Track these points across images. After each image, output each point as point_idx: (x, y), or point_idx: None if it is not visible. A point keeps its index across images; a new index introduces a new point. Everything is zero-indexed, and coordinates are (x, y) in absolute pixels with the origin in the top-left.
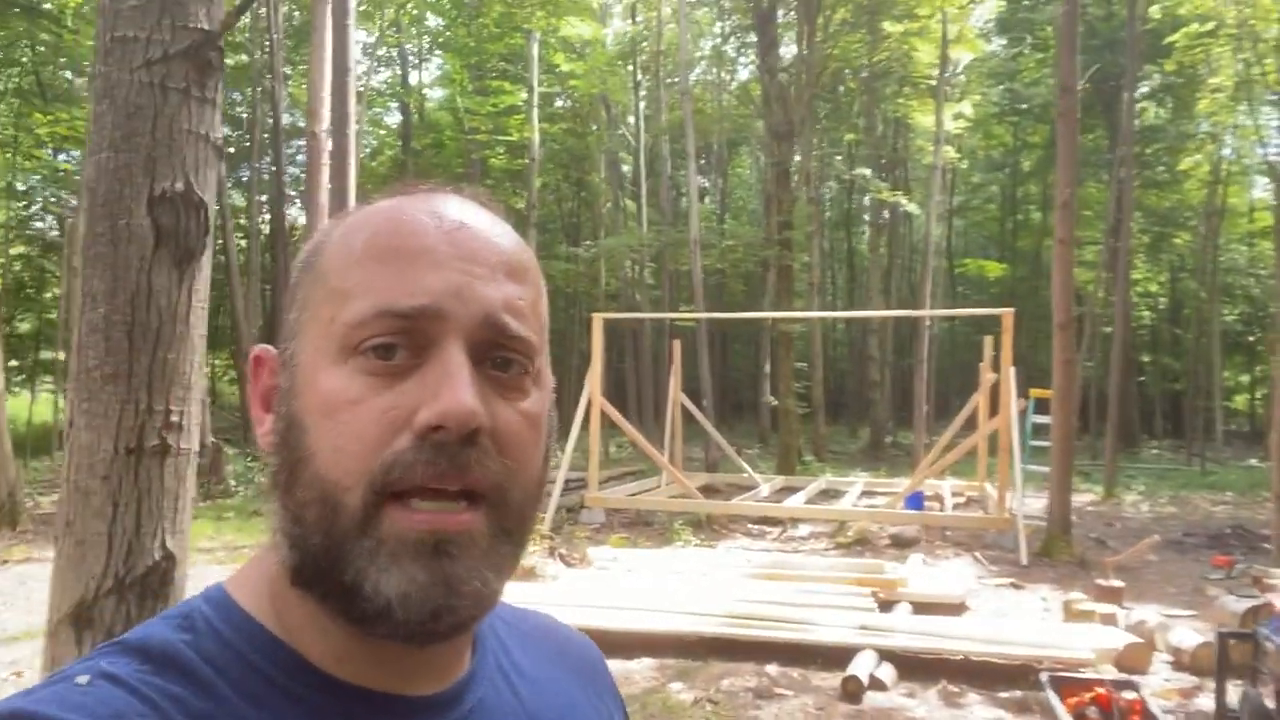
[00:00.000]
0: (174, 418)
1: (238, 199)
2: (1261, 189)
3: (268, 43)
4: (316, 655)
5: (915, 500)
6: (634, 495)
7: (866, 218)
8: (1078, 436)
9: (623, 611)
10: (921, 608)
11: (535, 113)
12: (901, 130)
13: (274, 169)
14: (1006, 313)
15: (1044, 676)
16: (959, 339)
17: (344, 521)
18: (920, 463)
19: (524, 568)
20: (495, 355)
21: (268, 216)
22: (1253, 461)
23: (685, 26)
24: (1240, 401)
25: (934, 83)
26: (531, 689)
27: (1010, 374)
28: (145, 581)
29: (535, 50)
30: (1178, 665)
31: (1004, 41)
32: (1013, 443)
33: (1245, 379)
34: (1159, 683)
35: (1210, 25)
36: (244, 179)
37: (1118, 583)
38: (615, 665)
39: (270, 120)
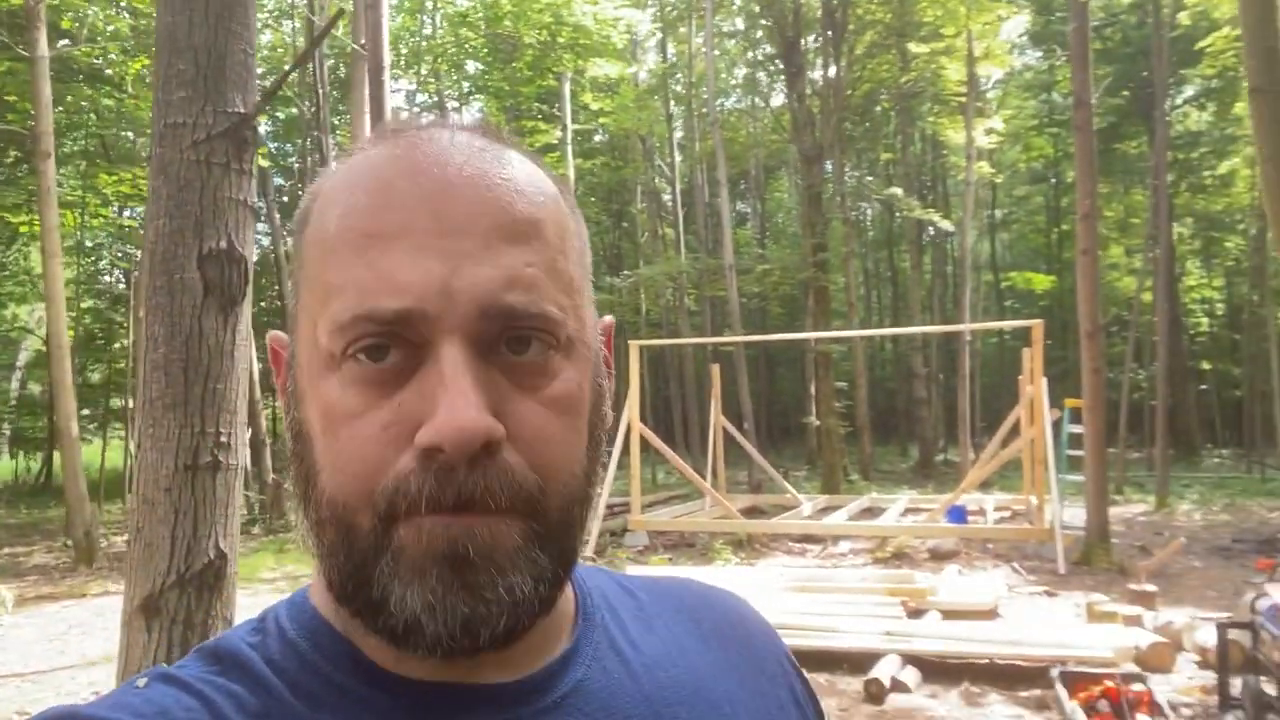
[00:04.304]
0: (223, 438)
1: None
2: None
3: (316, 96)
4: (379, 655)
5: (957, 514)
6: (676, 518)
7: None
8: (1136, 447)
9: None
10: (951, 615)
11: (570, 150)
12: (938, 148)
13: None
14: (1035, 324)
15: (1054, 672)
16: (1008, 354)
17: (361, 542)
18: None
19: None
20: (509, 336)
21: None
22: None
23: (712, 59)
24: None
25: (965, 99)
26: (650, 666)
27: (1042, 385)
28: (202, 576)
29: (567, 90)
30: (1203, 664)
31: (1039, 54)
32: (1047, 453)
33: None
34: (1183, 681)
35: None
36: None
37: (1150, 587)
38: None
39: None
